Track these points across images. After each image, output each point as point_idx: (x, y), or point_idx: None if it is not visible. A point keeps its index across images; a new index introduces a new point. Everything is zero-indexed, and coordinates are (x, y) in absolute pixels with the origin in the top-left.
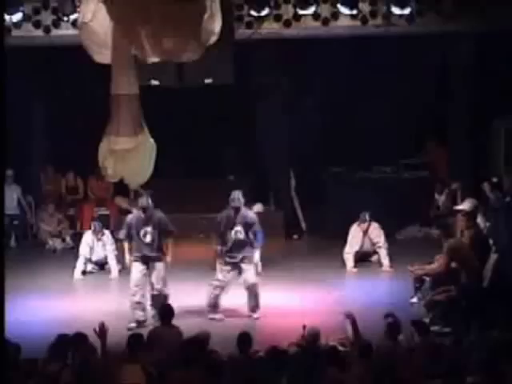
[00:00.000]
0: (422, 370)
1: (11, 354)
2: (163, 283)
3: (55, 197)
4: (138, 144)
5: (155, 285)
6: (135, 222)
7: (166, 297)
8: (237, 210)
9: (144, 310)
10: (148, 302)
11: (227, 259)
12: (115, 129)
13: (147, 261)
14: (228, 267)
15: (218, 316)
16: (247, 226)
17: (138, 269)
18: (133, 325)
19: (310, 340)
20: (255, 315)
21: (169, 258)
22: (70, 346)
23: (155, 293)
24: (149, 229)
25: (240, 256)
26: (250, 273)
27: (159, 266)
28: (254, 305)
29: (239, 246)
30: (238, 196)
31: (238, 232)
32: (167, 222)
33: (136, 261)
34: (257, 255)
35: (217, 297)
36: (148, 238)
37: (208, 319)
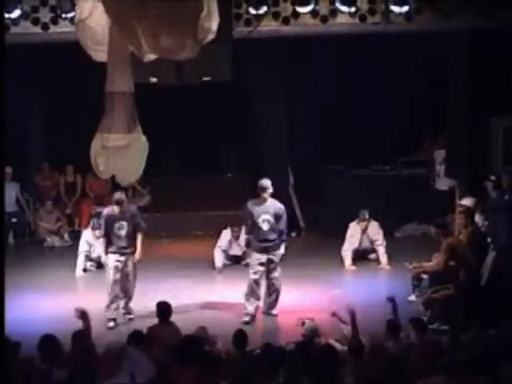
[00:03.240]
0: (420, 368)
1: (11, 351)
2: (133, 279)
3: (53, 194)
4: (131, 142)
5: (129, 277)
6: (110, 217)
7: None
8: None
9: (117, 308)
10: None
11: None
12: (108, 126)
13: (123, 253)
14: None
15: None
16: (276, 217)
17: (113, 261)
18: (112, 324)
19: (309, 336)
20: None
21: (138, 256)
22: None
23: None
24: (124, 223)
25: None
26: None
27: (132, 260)
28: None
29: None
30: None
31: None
32: (140, 217)
33: (112, 253)
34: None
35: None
36: (123, 232)
37: (206, 316)
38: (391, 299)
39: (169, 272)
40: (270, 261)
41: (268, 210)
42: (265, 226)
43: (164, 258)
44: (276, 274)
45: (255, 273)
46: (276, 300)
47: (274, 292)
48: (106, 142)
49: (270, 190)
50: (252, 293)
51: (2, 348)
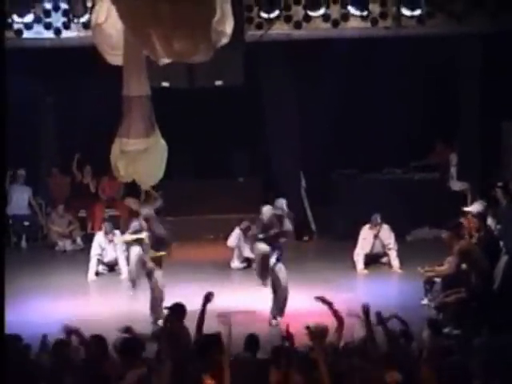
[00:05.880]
0: (432, 370)
1: (22, 354)
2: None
3: (64, 198)
4: (150, 145)
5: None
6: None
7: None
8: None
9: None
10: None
11: None
12: (126, 130)
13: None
14: None
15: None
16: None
17: (135, 252)
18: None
19: (318, 336)
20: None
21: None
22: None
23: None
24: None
25: None
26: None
27: (157, 274)
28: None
29: None
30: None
31: None
32: (164, 234)
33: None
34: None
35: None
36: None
37: (216, 320)
38: (395, 316)
39: (180, 276)
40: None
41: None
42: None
43: (175, 262)
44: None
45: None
46: (282, 309)
47: (280, 300)
48: (125, 147)
49: (285, 213)
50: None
51: (2, 348)
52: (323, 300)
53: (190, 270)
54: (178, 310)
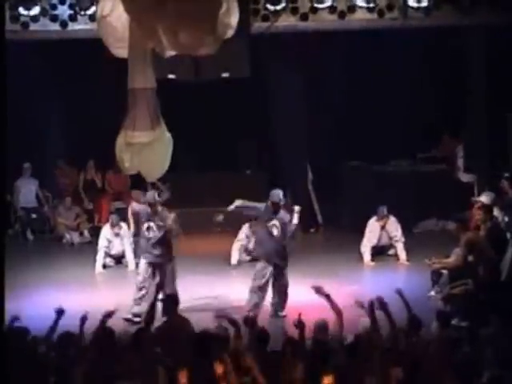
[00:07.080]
0: (440, 362)
1: (29, 346)
2: (173, 286)
3: (72, 190)
4: (155, 138)
5: (164, 288)
6: (141, 214)
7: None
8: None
9: (144, 304)
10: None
11: None
12: (132, 123)
13: (153, 264)
14: None
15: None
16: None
17: (144, 269)
18: (129, 316)
19: (319, 332)
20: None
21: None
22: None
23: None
24: (152, 224)
25: None
26: None
27: (167, 268)
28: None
29: None
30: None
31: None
32: (173, 221)
33: (143, 259)
34: None
35: None
36: (151, 234)
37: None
38: (399, 292)
39: (186, 269)
40: (276, 266)
41: (279, 217)
42: (275, 231)
43: (180, 255)
44: (283, 278)
45: (258, 279)
46: (284, 301)
47: (281, 294)
48: (130, 139)
49: (282, 203)
50: (254, 293)
51: (2, 347)
52: (319, 291)
53: (195, 263)
54: (171, 300)
